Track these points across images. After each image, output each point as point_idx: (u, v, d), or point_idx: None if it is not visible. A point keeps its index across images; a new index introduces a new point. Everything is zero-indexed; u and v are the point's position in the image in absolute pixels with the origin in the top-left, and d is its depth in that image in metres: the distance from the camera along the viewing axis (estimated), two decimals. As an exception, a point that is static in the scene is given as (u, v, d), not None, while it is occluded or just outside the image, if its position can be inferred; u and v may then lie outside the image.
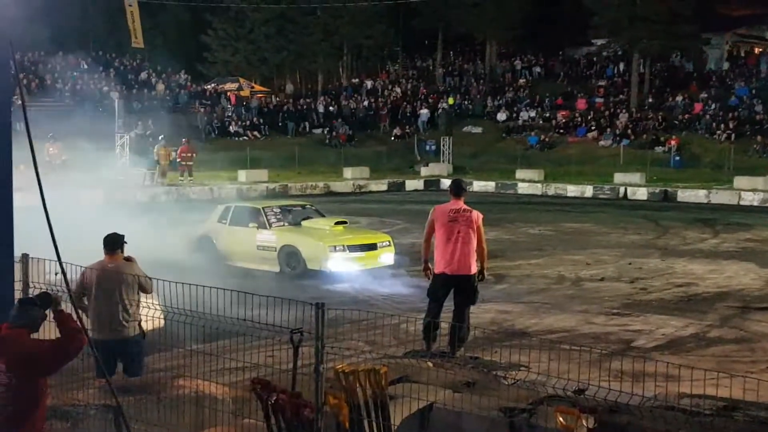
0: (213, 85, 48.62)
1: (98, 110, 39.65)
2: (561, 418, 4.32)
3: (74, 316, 4.55)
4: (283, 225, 15.25)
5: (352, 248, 14.63)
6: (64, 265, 4.53)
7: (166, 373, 6.78)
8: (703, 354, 9.36)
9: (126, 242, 7.46)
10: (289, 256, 14.69)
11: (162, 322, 9.16)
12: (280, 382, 5.41)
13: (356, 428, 4.63)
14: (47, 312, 4.61)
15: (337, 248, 14.44)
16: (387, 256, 14.95)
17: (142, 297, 7.48)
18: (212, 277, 13.82)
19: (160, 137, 33.55)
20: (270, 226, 15.06)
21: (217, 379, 6.46)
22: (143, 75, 45.86)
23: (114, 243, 7.37)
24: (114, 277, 7.20)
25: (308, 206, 16.64)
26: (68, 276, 7.15)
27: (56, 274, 5.09)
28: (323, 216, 16.03)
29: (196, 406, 5.42)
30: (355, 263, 14.57)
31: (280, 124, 44.75)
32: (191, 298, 8.44)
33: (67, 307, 4.74)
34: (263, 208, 15.59)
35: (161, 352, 8.20)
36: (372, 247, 14.92)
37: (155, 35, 50.56)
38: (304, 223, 15.51)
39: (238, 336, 8.60)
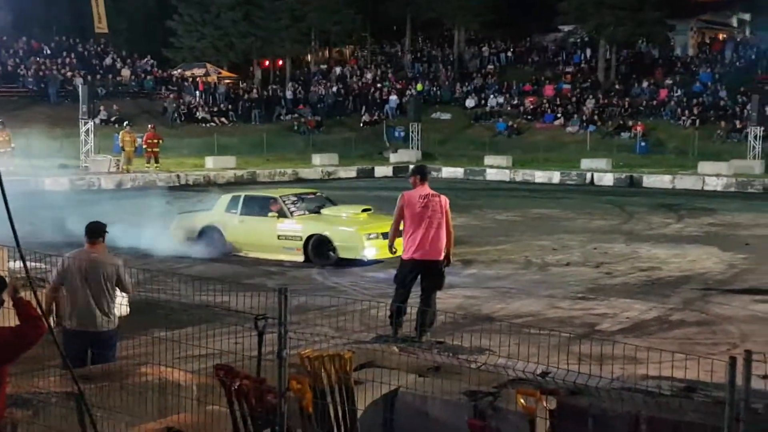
0: (179, 70, 48.16)
1: (61, 96, 39.19)
2: (522, 400, 4.37)
3: (34, 303, 4.50)
4: (304, 213, 14.86)
5: (385, 235, 14.49)
6: (24, 252, 4.46)
7: (130, 360, 6.74)
8: (665, 337, 9.49)
9: (107, 231, 7.30)
10: (318, 245, 14.29)
11: (127, 309, 9.12)
12: (246, 369, 5.41)
13: (321, 413, 4.64)
14: (4, 297, 4.55)
15: (371, 236, 14.16)
16: None
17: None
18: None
19: (124, 123, 33.21)
20: (291, 214, 14.64)
21: (182, 366, 6.43)
22: (108, 60, 45.28)
23: (95, 231, 7.13)
24: (96, 267, 6.96)
25: (318, 193, 16.30)
26: (35, 264, 7.07)
27: (14, 261, 5.03)
28: (333, 203, 15.69)
29: (160, 393, 5.39)
30: (380, 250, 14.27)
31: (239, 111, 44.34)
32: (156, 286, 8.35)
33: (26, 294, 4.68)
34: (280, 196, 15.13)
35: (126, 340, 8.16)
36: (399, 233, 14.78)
37: (120, 20, 49.93)
38: (324, 211, 15.16)
39: (203, 323, 8.60)
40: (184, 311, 9.12)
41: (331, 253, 14.25)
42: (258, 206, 15.12)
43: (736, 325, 10.00)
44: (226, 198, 15.72)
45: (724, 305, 11.19)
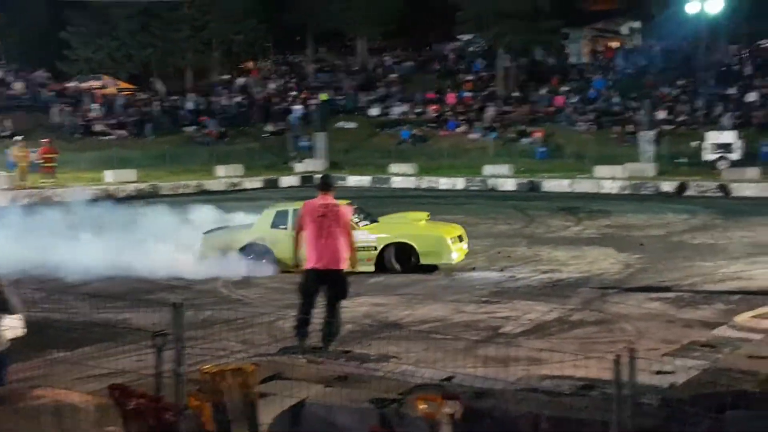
0: (75, 83, 46.75)
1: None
2: (423, 406, 4.41)
3: None
4: (366, 223, 14.65)
5: (461, 239, 14.71)
6: None
7: (25, 383, 6.49)
8: (566, 337, 9.74)
9: None
10: (398, 252, 14.25)
11: (23, 330, 8.77)
12: (147, 388, 5.28)
13: (223, 430, 4.58)
14: None
15: (452, 240, 14.34)
16: (465, 246, 14.99)
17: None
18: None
19: (15, 138, 32.05)
20: (358, 225, 14.24)
21: (81, 388, 6.24)
22: (-1, 73, 43.66)
23: None
24: None
25: (353, 204, 15.97)
26: None
27: None
28: (369, 213, 15.36)
29: (55, 417, 5.21)
30: (459, 254, 14.57)
31: (139, 124, 43.36)
32: (53, 305, 8.05)
33: None
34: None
35: (20, 362, 7.84)
36: (462, 237, 14.94)
37: (11, 32, 48.14)
38: (383, 219, 15.27)
39: (103, 342, 8.37)
40: (77, 330, 8.85)
41: (412, 259, 14.25)
42: None
43: (632, 323, 10.36)
44: (270, 213, 14.90)
45: (620, 304, 11.57)
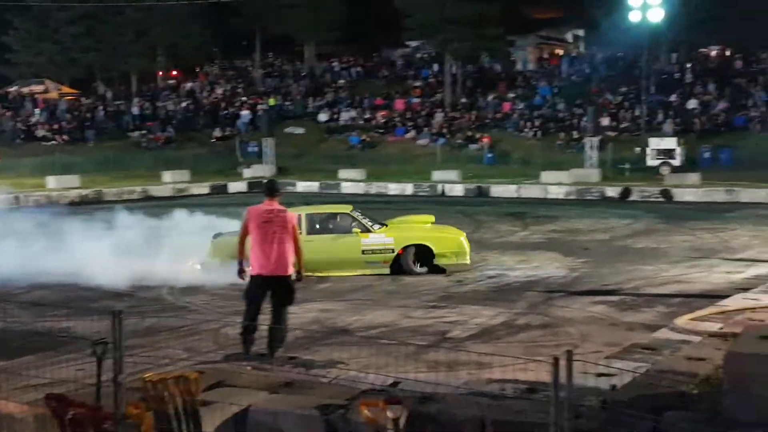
0: (16, 87, 45.78)
1: None
2: (367, 411, 4.42)
3: None
4: (379, 227, 14.66)
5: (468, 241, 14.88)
6: None
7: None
8: (512, 341, 9.83)
9: None
10: (417, 255, 14.38)
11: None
12: (88, 397, 5.19)
13: (165, 438, 4.52)
14: None
15: (465, 242, 14.55)
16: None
17: None
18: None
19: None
20: (372, 228, 14.39)
21: (19, 398, 6.10)
22: (-64, 77, 42.54)
23: None
24: None
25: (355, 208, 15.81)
26: None
27: None
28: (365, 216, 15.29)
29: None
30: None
31: (83, 129, 42.62)
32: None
33: None
34: (351, 212, 14.71)
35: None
36: (467, 240, 15.09)
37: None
38: (392, 222, 15.28)
39: (43, 350, 8.20)
40: (17, 339, 8.66)
41: (428, 262, 14.39)
42: (329, 224, 14.64)
43: (576, 327, 10.50)
44: None
45: (565, 308, 11.73)
